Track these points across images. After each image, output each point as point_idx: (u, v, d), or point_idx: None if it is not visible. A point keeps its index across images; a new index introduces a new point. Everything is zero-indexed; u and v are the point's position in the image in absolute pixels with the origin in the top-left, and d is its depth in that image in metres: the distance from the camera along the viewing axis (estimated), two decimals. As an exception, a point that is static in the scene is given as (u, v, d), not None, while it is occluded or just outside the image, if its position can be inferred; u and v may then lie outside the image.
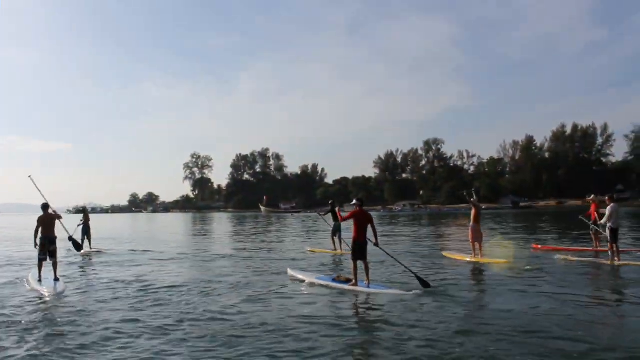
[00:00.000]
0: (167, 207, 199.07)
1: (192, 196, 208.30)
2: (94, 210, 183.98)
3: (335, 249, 19.95)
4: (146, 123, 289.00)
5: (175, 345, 7.35)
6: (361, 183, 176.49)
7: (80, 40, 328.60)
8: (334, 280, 12.29)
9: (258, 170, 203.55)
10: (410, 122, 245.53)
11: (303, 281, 12.78)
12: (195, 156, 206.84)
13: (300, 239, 29.21)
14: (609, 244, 15.19)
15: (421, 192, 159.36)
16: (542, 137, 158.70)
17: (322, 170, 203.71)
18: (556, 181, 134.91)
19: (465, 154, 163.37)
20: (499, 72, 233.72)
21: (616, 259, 14.89)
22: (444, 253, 18.55)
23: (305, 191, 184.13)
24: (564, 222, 45.13)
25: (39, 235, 12.67)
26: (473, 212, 16.89)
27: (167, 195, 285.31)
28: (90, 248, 22.10)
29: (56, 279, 12.56)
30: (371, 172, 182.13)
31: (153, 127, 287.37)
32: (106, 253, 21.43)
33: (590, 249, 18.18)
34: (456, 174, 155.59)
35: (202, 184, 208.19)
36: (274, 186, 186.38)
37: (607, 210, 15.09)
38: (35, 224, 12.85)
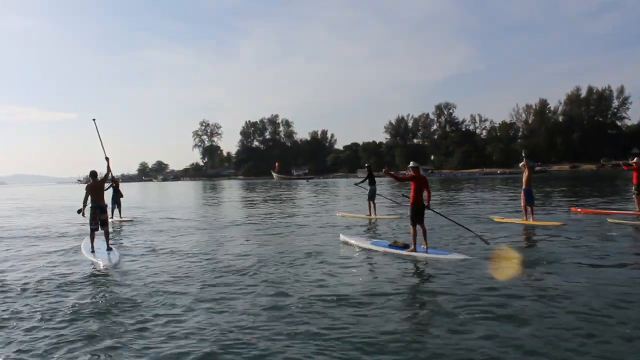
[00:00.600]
0: (178, 176, 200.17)
1: (201, 164, 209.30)
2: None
3: (370, 214, 19.83)
4: (150, 90, 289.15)
5: (295, 322, 6.76)
6: (372, 148, 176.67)
7: (81, 7, 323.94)
8: (390, 245, 12.08)
9: (267, 137, 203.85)
10: (416, 85, 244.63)
11: (357, 247, 12.56)
12: (204, 124, 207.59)
13: (327, 205, 29.27)
14: None
15: (432, 157, 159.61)
16: (553, 98, 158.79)
17: (332, 136, 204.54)
18: (570, 145, 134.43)
19: (477, 118, 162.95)
20: (505, 33, 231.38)
21: None
22: (495, 218, 18.15)
23: (316, 157, 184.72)
24: (586, 185, 45.17)
25: (89, 204, 12.14)
26: (526, 175, 16.49)
27: (176, 163, 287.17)
28: (121, 217, 21.83)
29: (109, 249, 12.18)
30: (381, 137, 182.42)
31: (157, 94, 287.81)
32: (141, 222, 21.13)
33: (633, 212, 17.57)
34: (468, 138, 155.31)
35: (211, 151, 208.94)
36: (284, 153, 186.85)
37: None
38: (84, 192, 12.23)
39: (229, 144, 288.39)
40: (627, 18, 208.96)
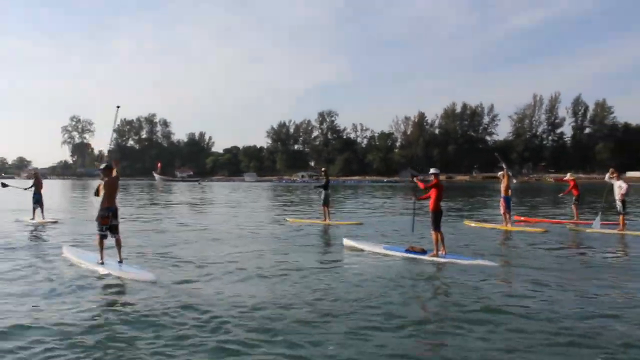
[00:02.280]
0: (45, 174, 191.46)
1: (70, 162, 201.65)
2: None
3: (326, 219, 19.81)
4: (12, 80, 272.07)
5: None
6: (252, 152, 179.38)
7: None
8: (407, 250, 12.14)
9: (144, 136, 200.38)
10: (291, 92, 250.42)
11: (368, 252, 12.52)
12: (75, 119, 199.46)
13: (263, 210, 29.07)
14: (621, 216, 16.83)
15: (312, 164, 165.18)
16: (430, 112, 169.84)
17: (210, 138, 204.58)
18: (446, 157, 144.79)
19: (359, 127, 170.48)
20: (378, 48, 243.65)
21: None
22: (467, 222, 19.73)
23: (194, 159, 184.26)
24: (479, 195, 50.78)
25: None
26: (505, 183, 17.75)
27: (40, 160, 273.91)
28: (43, 218, 20.06)
29: (120, 261, 10.32)
30: (261, 141, 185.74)
31: (21, 85, 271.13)
32: (65, 224, 19.76)
33: (572, 221, 19.70)
34: (349, 146, 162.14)
35: (82, 148, 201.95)
36: (161, 153, 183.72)
37: (624, 185, 16.80)
38: (99, 190, 10.45)
39: (101, 141, 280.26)
40: (483, 44, 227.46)
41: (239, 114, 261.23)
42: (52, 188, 71.12)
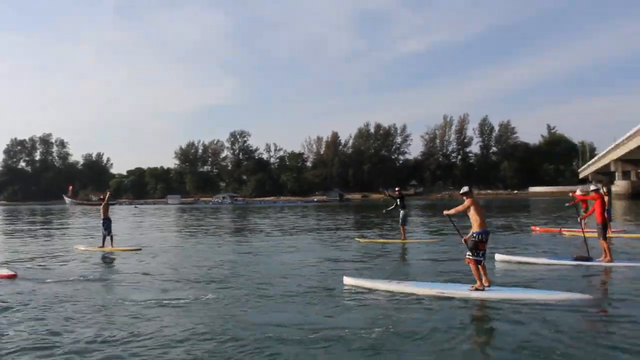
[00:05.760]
0: None
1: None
2: None
3: (403, 238, 20.55)
4: None
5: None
6: (159, 174, 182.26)
7: None
8: (575, 259, 13.60)
9: (37, 157, 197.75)
10: (181, 113, 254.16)
11: (519, 263, 13.82)
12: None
13: (313, 233, 27.31)
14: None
15: (223, 184, 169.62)
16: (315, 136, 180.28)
17: (108, 159, 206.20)
18: (360, 176, 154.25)
19: (272, 148, 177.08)
20: (271, 70, 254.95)
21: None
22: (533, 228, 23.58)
23: (94, 181, 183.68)
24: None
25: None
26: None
27: None
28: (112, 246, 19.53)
29: (489, 285, 10.12)
30: (167, 162, 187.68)
31: None
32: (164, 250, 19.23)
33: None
34: (263, 167, 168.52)
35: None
36: (58, 176, 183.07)
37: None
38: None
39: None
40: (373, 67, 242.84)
41: (129, 135, 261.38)
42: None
